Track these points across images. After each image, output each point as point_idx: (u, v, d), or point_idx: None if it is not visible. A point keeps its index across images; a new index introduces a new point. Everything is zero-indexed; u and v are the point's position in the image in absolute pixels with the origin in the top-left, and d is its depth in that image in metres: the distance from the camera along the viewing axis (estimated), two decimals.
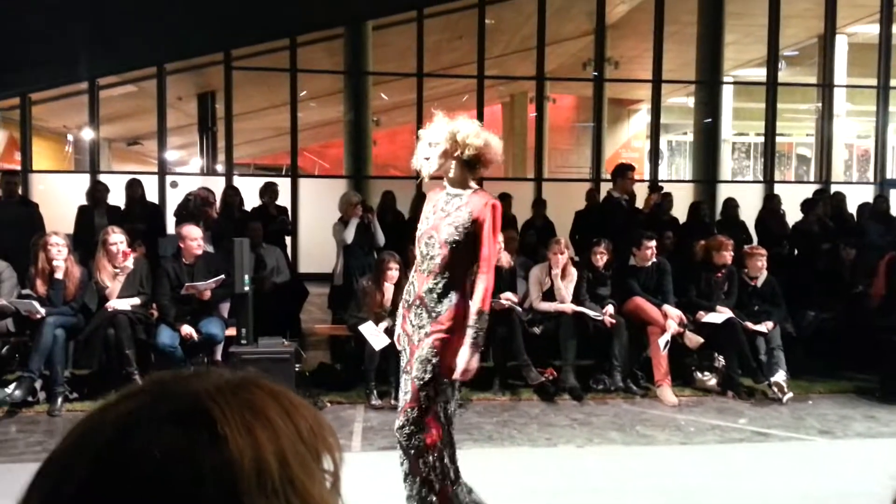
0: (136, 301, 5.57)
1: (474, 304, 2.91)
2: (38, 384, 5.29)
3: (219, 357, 5.72)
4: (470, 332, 2.90)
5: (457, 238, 2.91)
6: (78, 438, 0.52)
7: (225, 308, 6.01)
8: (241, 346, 5.28)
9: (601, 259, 6.19)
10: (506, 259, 6.11)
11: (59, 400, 5.19)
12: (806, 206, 8.47)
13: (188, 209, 7.16)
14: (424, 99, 11.51)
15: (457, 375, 2.91)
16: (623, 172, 6.95)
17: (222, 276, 5.62)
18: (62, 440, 0.53)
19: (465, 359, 2.89)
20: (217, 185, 8.64)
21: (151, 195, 8.94)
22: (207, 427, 0.51)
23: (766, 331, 5.87)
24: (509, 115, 19.36)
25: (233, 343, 5.44)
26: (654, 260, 6.16)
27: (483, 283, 2.92)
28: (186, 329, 5.46)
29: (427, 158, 2.94)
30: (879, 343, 5.99)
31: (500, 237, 5.97)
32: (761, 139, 14.04)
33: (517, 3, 12.39)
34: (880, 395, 5.74)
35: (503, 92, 18.10)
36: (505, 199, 8.36)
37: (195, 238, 5.75)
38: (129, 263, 5.58)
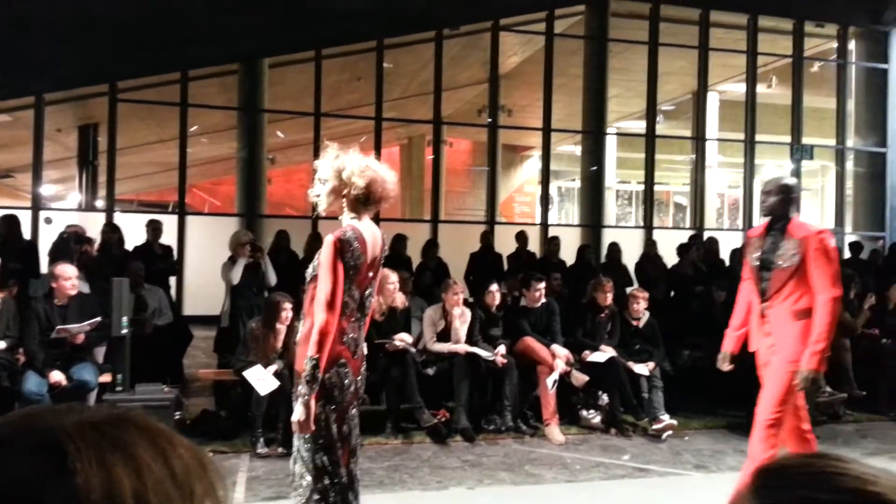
0: (2, 345, 5.17)
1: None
2: None
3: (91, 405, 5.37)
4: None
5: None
6: None
7: (101, 353, 5.67)
8: (115, 393, 4.98)
9: (494, 300, 6.31)
10: (400, 300, 6.12)
11: None
12: (681, 250, 9.01)
13: (64, 247, 6.75)
14: (322, 138, 11.47)
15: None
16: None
17: (98, 318, 5.31)
18: None
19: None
20: (96, 221, 8.22)
21: (24, 232, 8.37)
22: (59, 460, 0.51)
23: (647, 373, 6.12)
24: (407, 157, 19.63)
25: (107, 390, 5.13)
26: (544, 301, 6.35)
27: (315, 326, 2.61)
28: (56, 376, 5.09)
29: (318, 195, 2.80)
30: (747, 380, 6.38)
31: (395, 275, 5.99)
32: (642, 187, 14.90)
33: (415, 49, 12.68)
34: (750, 430, 6.09)
35: (401, 134, 18.35)
36: (400, 239, 8.42)
37: (69, 277, 5.41)
38: None
